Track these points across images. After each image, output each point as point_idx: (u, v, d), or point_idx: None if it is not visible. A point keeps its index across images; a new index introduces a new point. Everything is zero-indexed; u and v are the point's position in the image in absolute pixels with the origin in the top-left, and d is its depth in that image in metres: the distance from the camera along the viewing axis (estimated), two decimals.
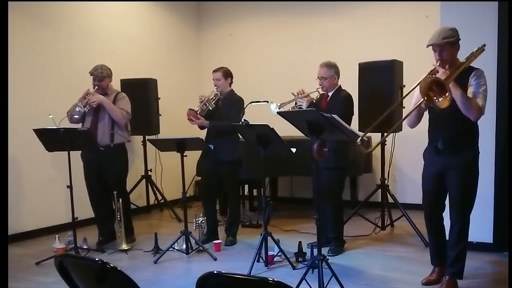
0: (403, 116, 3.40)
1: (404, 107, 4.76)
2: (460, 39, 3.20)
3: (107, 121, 4.66)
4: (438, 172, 3.32)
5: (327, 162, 4.05)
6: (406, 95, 3.33)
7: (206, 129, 4.76)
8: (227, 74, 4.75)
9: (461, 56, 3.26)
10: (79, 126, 4.66)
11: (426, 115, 3.41)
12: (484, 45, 3.22)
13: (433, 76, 3.04)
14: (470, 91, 3.12)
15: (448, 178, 3.27)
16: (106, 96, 4.73)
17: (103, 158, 4.64)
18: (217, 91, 4.70)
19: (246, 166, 5.46)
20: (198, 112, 4.59)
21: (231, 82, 4.80)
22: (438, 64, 3.13)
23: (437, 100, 2.92)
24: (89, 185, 4.80)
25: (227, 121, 4.57)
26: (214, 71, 4.77)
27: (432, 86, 2.93)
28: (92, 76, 4.70)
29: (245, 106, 4.54)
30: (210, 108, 4.66)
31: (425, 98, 2.94)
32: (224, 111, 4.67)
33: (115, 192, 4.64)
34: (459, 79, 3.10)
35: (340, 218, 4.48)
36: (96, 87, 4.67)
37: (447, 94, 2.86)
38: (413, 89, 3.20)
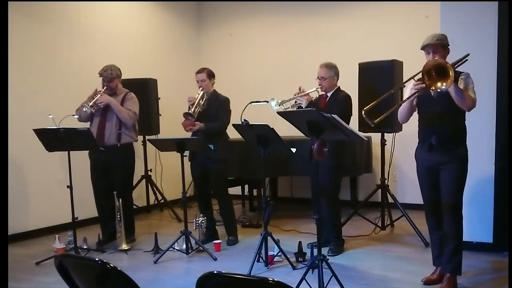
0: (400, 113, 3.45)
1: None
2: (449, 45, 3.31)
3: (115, 121, 4.68)
4: (432, 168, 3.37)
5: (323, 161, 4.04)
6: (408, 80, 3.35)
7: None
8: (211, 75, 4.78)
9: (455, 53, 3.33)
10: (86, 124, 4.69)
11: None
12: (468, 55, 3.30)
13: (437, 59, 3.11)
14: (461, 87, 3.21)
15: (441, 173, 3.33)
16: (115, 96, 4.75)
17: (110, 158, 4.67)
18: (202, 91, 4.71)
19: (246, 166, 5.47)
20: (193, 115, 4.57)
21: (214, 83, 4.82)
22: None
23: (435, 87, 2.99)
24: (94, 183, 4.83)
25: (218, 122, 4.63)
26: (198, 72, 4.78)
27: (432, 71, 3.01)
28: (101, 77, 4.71)
29: (245, 106, 4.54)
30: (201, 110, 4.67)
31: (425, 80, 3.02)
32: (212, 111, 4.68)
33: (115, 192, 4.65)
34: None
35: (338, 217, 4.48)
36: (105, 88, 4.68)
37: (449, 75, 2.93)
38: (415, 75, 3.25)
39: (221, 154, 4.69)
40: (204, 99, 4.71)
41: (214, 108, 4.69)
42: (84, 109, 4.55)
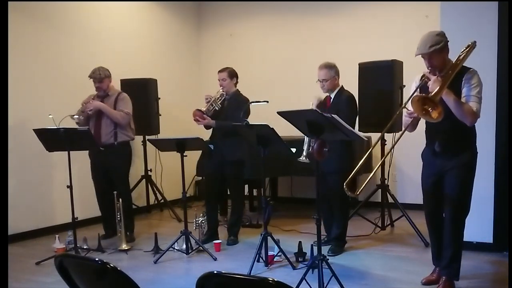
0: (403, 123, 3.41)
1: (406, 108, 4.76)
2: (448, 41, 3.17)
3: (109, 121, 4.79)
4: (436, 173, 3.33)
5: (332, 166, 4.07)
6: (405, 104, 3.33)
7: (212, 128, 4.77)
8: (233, 74, 4.77)
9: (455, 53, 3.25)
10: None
11: None
12: (475, 42, 3.19)
13: (421, 95, 3.04)
14: (463, 95, 3.11)
15: (446, 178, 3.28)
16: (108, 97, 4.85)
17: (108, 156, 4.78)
18: (223, 91, 4.72)
19: (247, 166, 5.47)
20: (205, 112, 4.60)
21: (237, 82, 4.82)
22: (429, 71, 3.14)
23: (426, 118, 2.98)
24: (96, 182, 4.96)
25: (231, 121, 4.59)
26: (220, 71, 4.78)
27: (425, 102, 2.93)
28: (92, 79, 4.81)
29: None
30: (217, 108, 4.67)
31: (422, 113, 2.96)
32: (230, 111, 4.67)
33: (115, 192, 4.66)
34: (452, 81, 3.07)
35: (345, 219, 4.49)
36: (97, 89, 4.82)
37: (437, 108, 2.88)
38: (407, 101, 3.21)
39: (236, 155, 4.68)
40: (223, 98, 4.71)
41: (231, 108, 4.68)
42: (76, 120, 4.71)
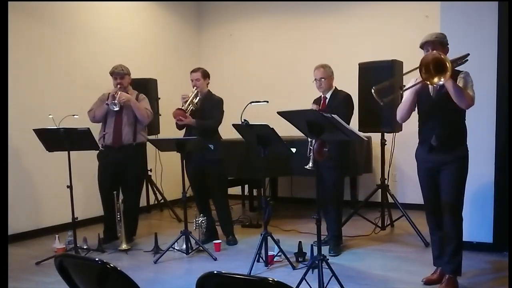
0: (401, 109, 3.44)
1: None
2: (448, 44, 3.30)
3: (131, 121, 4.74)
4: (433, 168, 3.38)
5: (328, 161, 4.07)
6: (408, 72, 3.34)
7: (185, 129, 4.78)
8: (205, 75, 4.79)
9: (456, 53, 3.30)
10: (87, 124, 4.64)
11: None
12: (468, 54, 3.29)
13: (435, 52, 3.09)
14: (460, 85, 3.21)
15: (443, 173, 3.33)
16: None
17: (124, 157, 4.72)
18: (196, 91, 4.73)
19: (246, 166, 5.47)
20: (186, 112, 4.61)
21: (208, 83, 4.83)
22: None
23: (432, 82, 3.03)
24: (103, 185, 4.83)
25: (211, 120, 4.64)
26: (193, 71, 4.80)
27: (430, 66, 3.01)
28: (113, 76, 4.74)
29: (245, 106, 4.55)
30: (193, 108, 4.68)
31: (422, 73, 3.01)
32: (206, 111, 4.69)
33: (115, 192, 4.66)
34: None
35: (341, 216, 4.52)
36: (118, 85, 4.71)
37: (447, 69, 2.93)
38: (414, 69, 3.20)
39: (217, 154, 4.70)
40: (198, 98, 4.73)
41: (209, 108, 4.71)
42: (113, 107, 4.55)
